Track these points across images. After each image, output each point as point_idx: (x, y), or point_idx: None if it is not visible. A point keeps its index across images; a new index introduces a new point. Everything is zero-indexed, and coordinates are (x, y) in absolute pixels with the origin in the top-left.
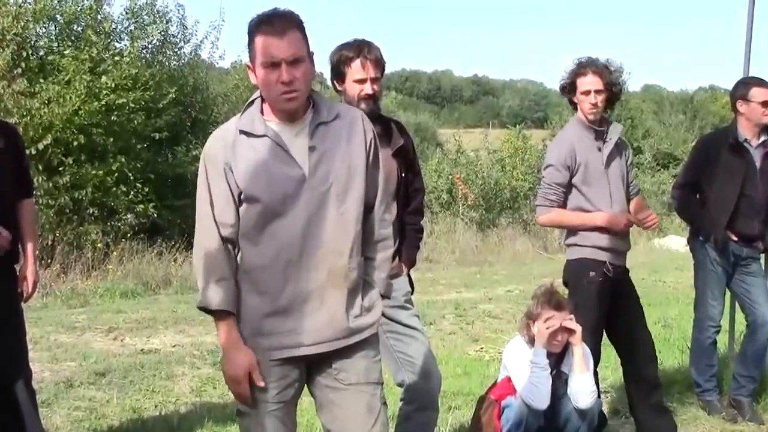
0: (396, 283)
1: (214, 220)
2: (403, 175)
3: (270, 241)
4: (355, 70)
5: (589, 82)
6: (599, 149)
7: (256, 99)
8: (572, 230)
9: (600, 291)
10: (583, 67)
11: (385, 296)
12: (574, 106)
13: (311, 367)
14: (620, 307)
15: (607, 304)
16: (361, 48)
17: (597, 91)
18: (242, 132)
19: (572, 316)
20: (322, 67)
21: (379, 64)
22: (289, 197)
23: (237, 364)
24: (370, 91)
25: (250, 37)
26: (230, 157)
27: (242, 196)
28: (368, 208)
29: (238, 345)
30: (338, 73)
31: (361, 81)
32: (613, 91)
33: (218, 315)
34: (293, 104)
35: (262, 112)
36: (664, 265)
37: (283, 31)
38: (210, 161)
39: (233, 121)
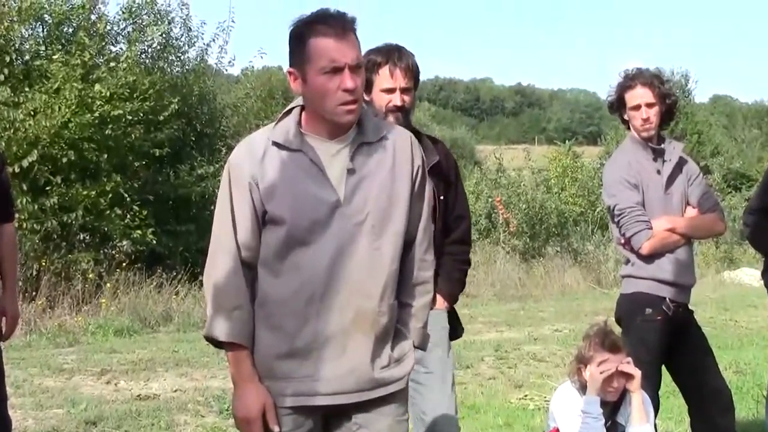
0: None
1: (235, 239)
2: (441, 197)
3: (292, 273)
4: (383, 78)
5: (639, 95)
6: (658, 171)
7: (294, 108)
8: (647, 256)
9: (657, 331)
10: (630, 79)
11: (419, 348)
12: (626, 123)
13: (328, 419)
14: (684, 351)
15: (666, 347)
16: (390, 53)
17: (648, 105)
18: (275, 143)
19: (630, 359)
20: None
21: (411, 72)
22: (319, 224)
23: (249, 403)
24: (398, 103)
25: (298, 39)
26: (257, 170)
27: (266, 217)
28: (407, 246)
29: (251, 381)
30: (366, 81)
31: (389, 91)
32: (667, 104)
33: (228, 347)
34: (353, 116)
35: (300, 123)
36: (735, 301)
37: (345, 33)
38: (235, 173)
39: (265, 131)
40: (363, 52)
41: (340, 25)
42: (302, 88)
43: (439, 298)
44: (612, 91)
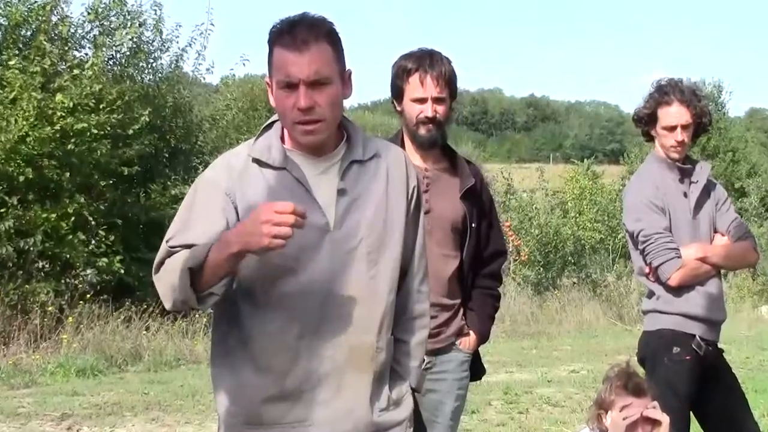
0: (447, 363)
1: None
2: (474, 225)
3: (279, 306)
4: (413, 86)
5: (675, 114)
6: (685, 194)
7: (276, 121)
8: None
9: (686, 373)
10: (666, 94)
11: (415, 390)
12: (650, 139)
13: None
14: (715, 395)
15: (694, 390)
16: (421, 59)
17: (684, 127)
18: (255, 160)
19: (656, 403)
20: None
21: (445, 80)
22: (307, 251)
23: (253, 226)
24: (430, 114)
25: (269, 48)
26: (236, 188)
27: None
28: (401, 276)
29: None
30: (396, 89)
31: (420, 101)
32: (702, 123)
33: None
34: (311, 138)
35: (282, 139)
36: None
37: (305, 44)
38: (206, 185)
39: (244, 147)
40: (397, 58)
41: (304, 34)
42: (274, 103)
43: (470, 338)
44: (643, 104)
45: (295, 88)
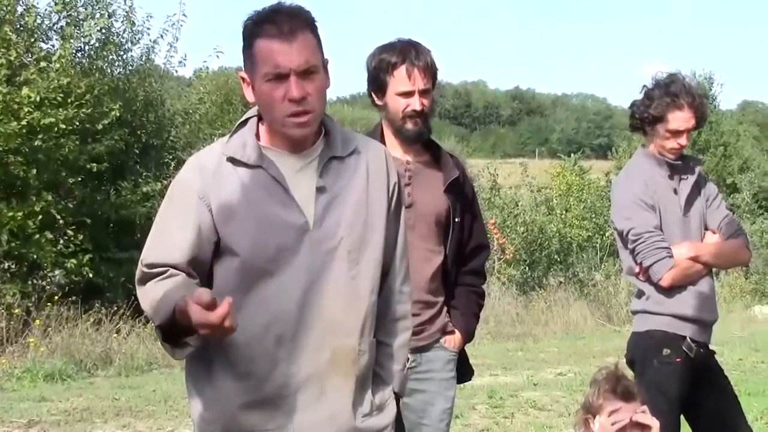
0: (433, 362)
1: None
2: (457, 219)
3: (256, 309)
4: (400, 79)
5: (685, 120)
6: (675, 191)
7: (251, 118)
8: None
9: (677, 375)
10: (676, 96)
11: (398, 394)
12: (644, 134)
13: None
14: (706, 399)
15: (685, 393)
16: (406, 51)
17: (689, 131)
18: (229, 159)
19: (645, 407)
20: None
21: (430, 71)
22: (285, 252)
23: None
24: (417, 107)
25: (246, 40)
26: (210, 190)
27: (220, 244)
28: (382, 276)
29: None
30: (377, 83)
31: (407, 94)
32: (699, 122)
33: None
34: (304, 130)
35: (257, 136)
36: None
37: (291, 33)
38: (179, 191)
39: (218, 145)
40: (373, 50)
41: (288, 23)
42: (253, 96)
43: (455, 336)
44: (648, 103)
45: (284, 80)
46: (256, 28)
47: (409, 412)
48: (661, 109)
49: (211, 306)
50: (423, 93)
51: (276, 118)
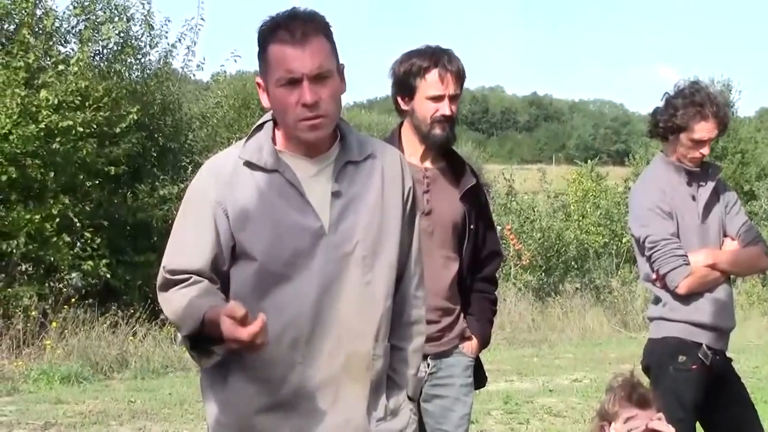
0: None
1: (186, 272)
2: (472, 226)
3: (272, 314)
4: (431, 84)
5: (709, 129)
6: (693, 198)
7: (267, 122)
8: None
9: (693, 383)
10: (702, 106)
11: (411, 399)
12: (664, 141)
13: None
14: (723, 407)
15: (701, 401)
16: (438, 56)
17: (711, 140)
18: (246, 163)
19: (661, 414)
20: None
21: (461, 78)
22: (301, 256)
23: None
24: (447, 112)
25: (261, 46)
26: (226, 195)
27: (236, 249)
28: (396, 281)
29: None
30: (406, 87)
31: (438, 98)
32: (721, 135)
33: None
34: (318, 133)
35: (273, 140)
36: None
37: (304, 38)
38: (195, 197)
39: (234, 149)
40: (401, 56)
41: (302, 28)
42: (268, 102)
43: (473, 342)
44: (673, 112)
45: (297, 84)
46: (269, 33)
47: (428, 418)
48: (686, 118)
49: (243, 321)
50: (452, 98)
51: (289, 123)
